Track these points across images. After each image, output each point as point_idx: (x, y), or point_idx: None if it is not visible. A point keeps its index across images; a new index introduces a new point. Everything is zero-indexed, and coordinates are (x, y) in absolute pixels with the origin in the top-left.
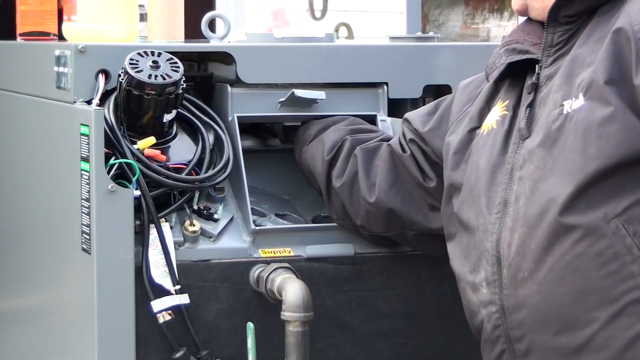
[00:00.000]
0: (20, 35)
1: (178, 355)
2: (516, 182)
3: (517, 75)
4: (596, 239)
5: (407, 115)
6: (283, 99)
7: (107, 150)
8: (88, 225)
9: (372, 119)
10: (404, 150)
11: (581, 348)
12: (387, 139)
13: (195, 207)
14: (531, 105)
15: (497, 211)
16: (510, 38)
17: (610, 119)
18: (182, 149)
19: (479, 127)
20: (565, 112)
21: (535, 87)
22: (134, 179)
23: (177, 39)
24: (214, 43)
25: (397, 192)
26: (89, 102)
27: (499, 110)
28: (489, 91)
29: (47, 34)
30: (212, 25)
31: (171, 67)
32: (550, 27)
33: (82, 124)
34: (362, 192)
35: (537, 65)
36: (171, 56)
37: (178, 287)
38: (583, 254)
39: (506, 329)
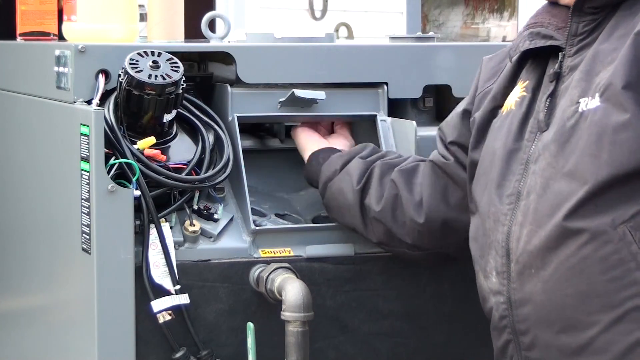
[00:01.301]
0: (20, 35)
1: (178, 355)
2: (530, 176)
3: (540, 56)
4: (602, 244)
5: (440, 125)
6: (283, 99)
7: (107, 150)
8: (88, 225)
9: (372, 119)
10: (446, 159)
11: (581, 349)
12: (420, 160)
13: (195, 207)
14: (552, 96)
15: (509, 202)
16: (535, 20)
17: (625, 126)
18: (182, 149)
19: (500, 106)
20: (580, 110)
21: (558, 77)
22: (134, 179)
23: (177, 39)
24: (214, 43)
25: (447, 204)
26: (89, 102)
27: (519, 90)
28: (511, 70)
29: (47, 34)
30: (212, 25)
31: (171, 67)
32: (575, 16)
33: (82, 124)
34: (409, 214)
35: (560, 53)
36: (171, 56)
37: (178, 287)
38: (588, 258)
39: (512, 321)
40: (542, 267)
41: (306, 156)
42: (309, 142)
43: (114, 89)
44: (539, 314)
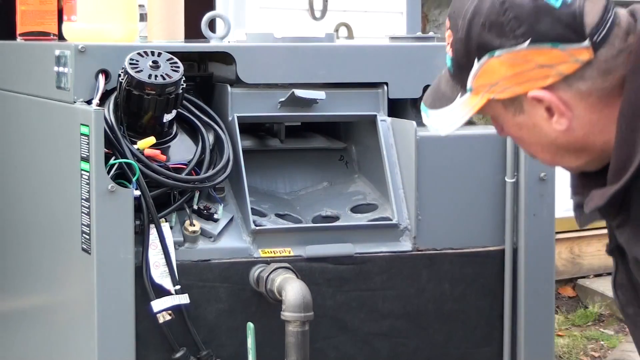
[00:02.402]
0: (20, 35)
1: (178, 355)
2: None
3: None
4: None
5: None
6: (283, 99)
7: (107, 150)
8: (88, 225)
9: (372, 119)
10: None
11: None
12: None
13: (195, 207)
14: (616, 275)
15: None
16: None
17: None
18: (182, 149)
19: None
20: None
21: (618, 252)
22: (134, 179)
23: (177, 39)
24: (214, 43)
25: None
26: (89, 102)
27: None
28: None
29: (47, 34)
30: (212, 25)
31: (171, 67)
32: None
33: (82, 124)
34: None
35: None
36: (171, 56)
37: (178, 287)
38: None
39: None
40: None
41: None
42: None
43: (114, 89)
44: None
